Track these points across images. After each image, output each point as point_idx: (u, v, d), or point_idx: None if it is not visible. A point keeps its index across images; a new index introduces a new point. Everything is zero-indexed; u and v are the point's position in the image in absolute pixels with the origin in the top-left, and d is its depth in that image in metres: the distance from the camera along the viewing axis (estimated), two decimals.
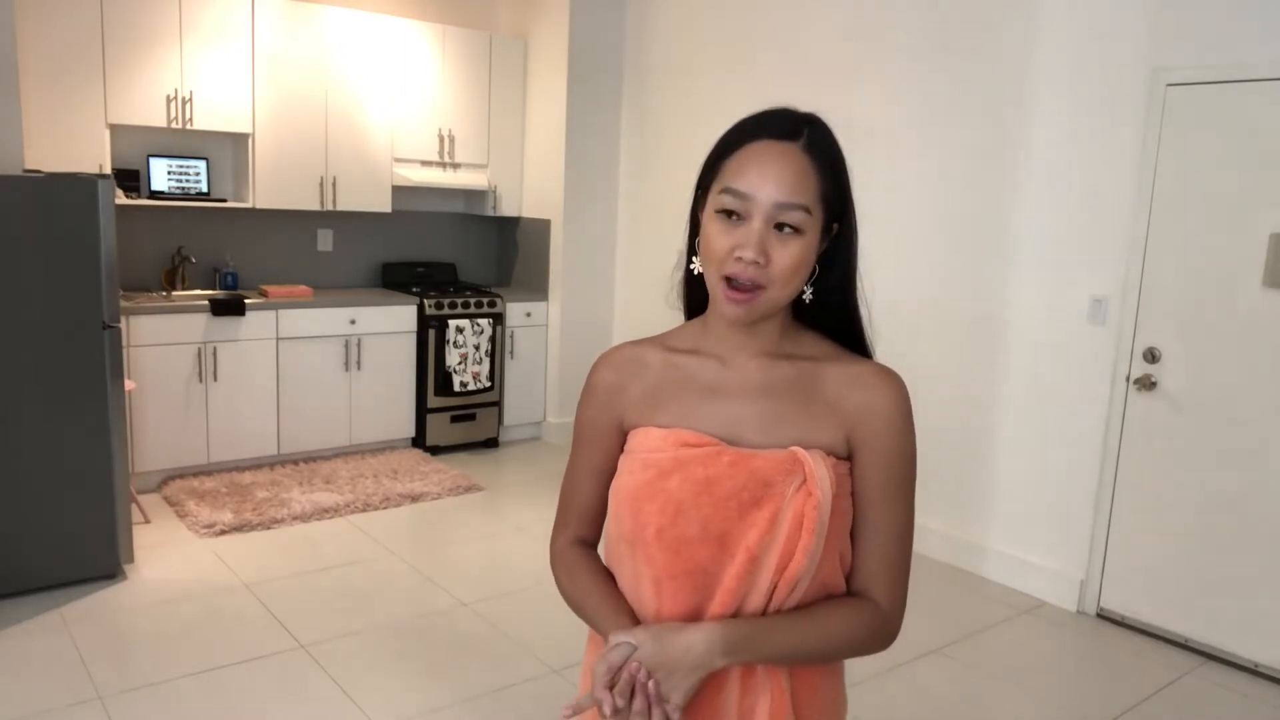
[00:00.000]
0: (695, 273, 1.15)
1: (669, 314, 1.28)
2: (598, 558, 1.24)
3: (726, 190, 1.07)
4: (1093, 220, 3.70)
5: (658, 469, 1.12)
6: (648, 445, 1.14)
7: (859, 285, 1.18)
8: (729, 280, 1.07)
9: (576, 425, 1.25)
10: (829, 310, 1.17)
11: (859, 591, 1.15)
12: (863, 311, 1.20)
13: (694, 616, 1.10)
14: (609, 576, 1.20)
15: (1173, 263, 3.50)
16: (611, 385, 1.20)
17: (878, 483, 1.13)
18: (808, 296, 1.14)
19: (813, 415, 1.13)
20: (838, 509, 1.10)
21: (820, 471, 1.08)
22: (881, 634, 1.13)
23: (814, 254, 1.09)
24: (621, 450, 1.20)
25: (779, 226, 1.05)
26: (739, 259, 1.05)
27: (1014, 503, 4.01)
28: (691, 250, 1.16)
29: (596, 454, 1.22)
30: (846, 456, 1.13)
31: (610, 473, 1.21)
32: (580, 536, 1.25)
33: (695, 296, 1.22)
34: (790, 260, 1.06)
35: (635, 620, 1.14)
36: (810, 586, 1.11)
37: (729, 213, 1.07)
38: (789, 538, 1.07)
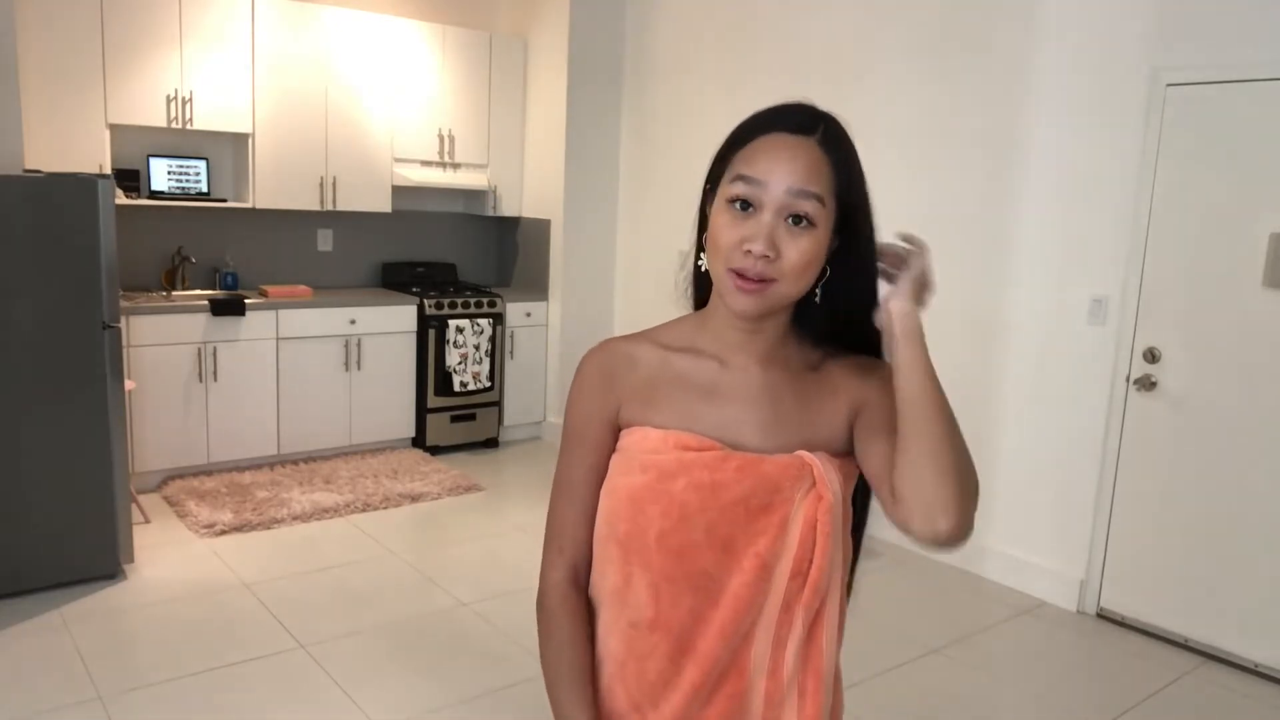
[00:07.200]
0: (704, 269, 1.12)
1: (671, 314, 1.26)
2: (587, 630, 1.16)
3: (740, 177, 1.03)
4: (1093, 220, 3.70)
5: (659, 471, 1.06)
6: (646, 446, 1.09)
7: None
8: (737, 273, 1.03)
9: (569, 427, 1.16)
10: (854, 326, 1.11)
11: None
12: None
13: (695, 620, 1.07)
14: (589, 660, 1.16)
15: (1173, 263, 3.50)
16: (606, 376, 1.14)
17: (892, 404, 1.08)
18: (818, 297, 1.10)
19: (814, 413, 1.10)
20: (844, 510, 1.09)
21: (829, 475, 1.06)
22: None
23: (825, 251, 1.05)
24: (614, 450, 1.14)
25: (790, 219, 1.02)
26: (747, 252, 1.01)
27: (1014, 503, 4.01)
28: (700, 246, 1.13)
29: (594, 453, 1.14)
30: (850, 452, 1.11)
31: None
32: (575, 567, 1.17)
33: (705, 293, 1.17)
34: (801, 255, 1.02)
35: None
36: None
37: (740, 203, 1.03)
38: (802, 543, 1.05)
